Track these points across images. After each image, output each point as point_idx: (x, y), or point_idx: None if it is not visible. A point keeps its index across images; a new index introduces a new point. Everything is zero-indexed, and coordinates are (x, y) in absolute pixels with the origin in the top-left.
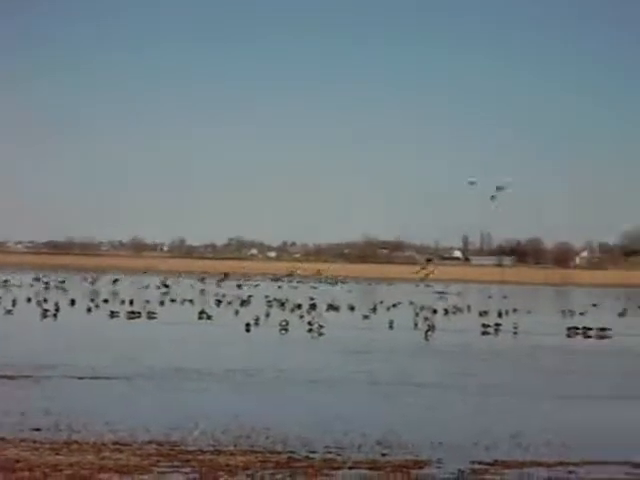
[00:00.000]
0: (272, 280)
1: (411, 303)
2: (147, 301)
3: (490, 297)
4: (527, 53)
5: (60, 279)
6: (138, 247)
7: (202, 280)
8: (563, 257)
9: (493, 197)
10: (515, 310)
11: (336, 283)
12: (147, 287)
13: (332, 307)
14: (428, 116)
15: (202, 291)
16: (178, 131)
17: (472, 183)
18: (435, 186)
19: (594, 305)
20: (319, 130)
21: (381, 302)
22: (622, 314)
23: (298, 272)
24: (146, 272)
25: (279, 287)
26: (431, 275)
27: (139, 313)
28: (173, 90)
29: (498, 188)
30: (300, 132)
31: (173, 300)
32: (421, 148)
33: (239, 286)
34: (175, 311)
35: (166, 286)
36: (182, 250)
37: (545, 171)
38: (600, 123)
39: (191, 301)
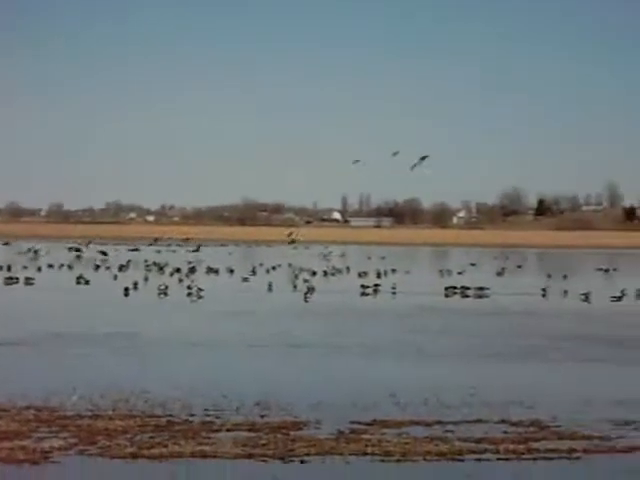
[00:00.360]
0: (151, 244)
1: (290, 265)
2: (24, 267)
3: (369, 258)
4: None
5: None
6: (15, 212)
7: (85, 245)
8: (441, 217)
9: (414, 166)
10: (394, 270)
11: (217, 246)
12: (25, 252)
13: (211, 270)
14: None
15: (78, 257)
16: (48, 95)
17: (356, 162)
18: (314, 147)
19: (472, 265)
20: (196, 94)
21: (260, 264)
22: (500, 273)
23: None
24: (23, 238)
25: (158, 251)
26: (298, 237)
27: (16, 279)
28: None
29: (422, 158)
30: (175, 97)
31: (51, 265)
32: (304, 112)
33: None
34: (53, 277)
35: (35, 252)
36: (60, 215)
37: (425, 131)
38: (471, 83)
39: (69, 266)
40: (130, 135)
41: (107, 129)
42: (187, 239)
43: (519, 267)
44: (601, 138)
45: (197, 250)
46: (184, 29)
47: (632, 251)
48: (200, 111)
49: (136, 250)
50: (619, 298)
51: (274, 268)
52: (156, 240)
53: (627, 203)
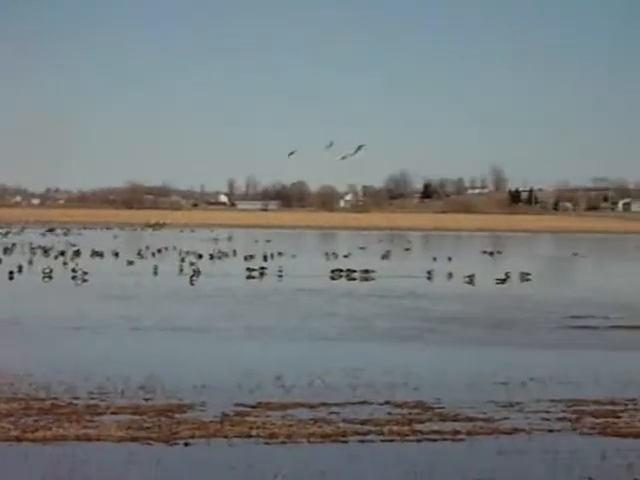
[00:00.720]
0: (37, 228)
1: (175, 248)
2: None
3: (256, 241)
4: None
5: None
6: None
7: None
8: (327, 200)
9: (344, 157)
10: (280, 254)
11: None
12: None
13: (97, 253)
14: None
15: None
16: None
17: (292, 153)
18: (201, 130)
19: (361, 248)
20: (81, 75)
21: (147, 248)
22: (385, 256)
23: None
24: None
25: (43, 235)
26: (163, 222)
27: None
28: None
29: (358, 148)
30: (60, 77)
31: None
32: (190, 94)
33: (4, 234)
34: None
35: None
36: None
37: (313, 115)
38: (360, 68)
39: None
40: (15, 117)
41: None
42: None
43: (405, 250)
44: (486, 122)
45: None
46: None
47: (517, 234)
48: (85, 92)
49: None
50: (503, 281)
51: (160, 251)
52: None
53: (512, 187)
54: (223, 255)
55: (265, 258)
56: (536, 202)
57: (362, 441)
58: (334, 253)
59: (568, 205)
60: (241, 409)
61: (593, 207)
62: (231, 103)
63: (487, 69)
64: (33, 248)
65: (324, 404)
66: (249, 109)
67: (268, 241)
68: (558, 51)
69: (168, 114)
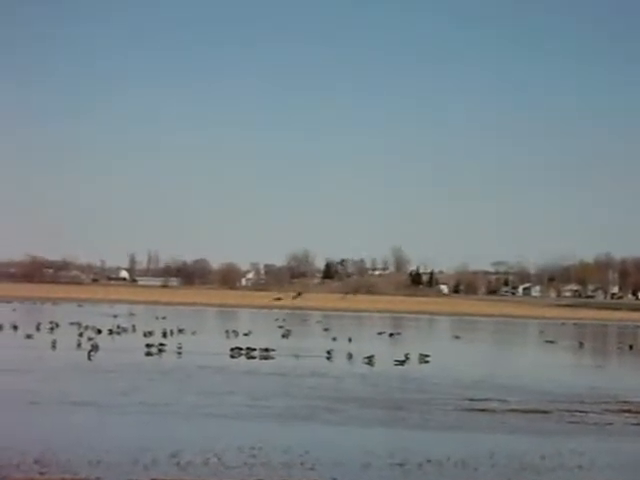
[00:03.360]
0: None
1: (72, 323)
2: None
3: (157, 318)
4: None
5: None
6: None
7: None
8: (229, 278)
9: None
10: (181, 330)
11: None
12: None
13: None
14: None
15: None
16: None
17: None
18: (104, 204)
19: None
20: None
21: (46, 322)
22: (285, 335)
23: None
24: None
25: None
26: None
27: None
28: None
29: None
30: None
31: None
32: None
33: None
34: None
35: None
36: None
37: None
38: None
39: None
40: None
41: None
42: None
43: (307, 329)
44: (389, 201)
45: None
46: None
47: (417, 316)
48: None
49: None
50: (402, 362)
51: (58, 325)
52: None
53: (413, 268)
54: (122, 331)
55: (165, 335)
56: (436, 284)
57: None
58: (234, 331)
59: (461, 288)
60: None
61: (493, 291)
62: (135, 179)
63: (394, 144)
64: None
65: None
66: (152, 184)
67: (164, 318)
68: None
69: (69, 186)
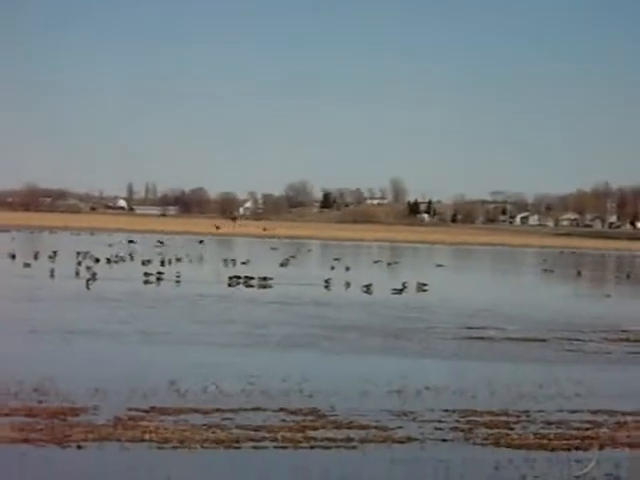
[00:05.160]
0: None
1: (70, 252)
2: None
3: (155, 247)
4: None
5: None
6: None
7: None
8: (227, 207)
9: None
10: (179, 259)
11: None
12: None
13: None
14: None
15: None
16: None
17: None
18: (100, 133)
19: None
20: None
21: (44, 251)
22: (283, 264)
23: None
24: None
25: None
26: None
27: None
28: None
29: None
30: None
31: None
32: (86, 96)
33: None
34: None
35: None
36: None
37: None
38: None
39: None
40: None
41: None
42: None
43: (305, 258)
44: (386, 133)
45: None
46: None
47: (415, 245)
48: None
49: None
50: (400, 291)
51: (56, 254)
52: None
53: (411, 198)
54: (120, 259)
55: (163, 263)
56: (434, 214)
57: (256, 447)
58: (232, 260)
59: (459, 217)
60: (134, 413)
61: (491, 220)
62: (133, 105)
63: (394, 77)
64: None
65: (218, 410)
66: (150, 111)
67: (162, 244)
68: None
69: (67, 115)
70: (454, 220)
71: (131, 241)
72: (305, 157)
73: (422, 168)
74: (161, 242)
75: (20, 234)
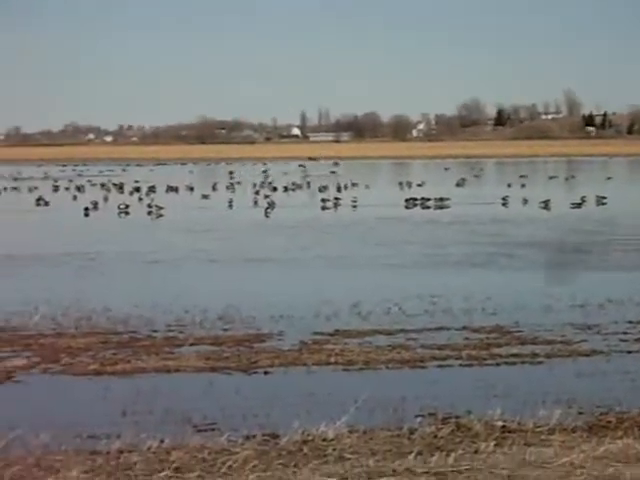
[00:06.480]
0: (111, 165)
1: (249, 181)
2: None
3: (331, 172)
4: None
5: None
6: None
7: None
8: (400, 130)
9: None
10: (354, 184)
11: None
12: None
13: (171, 188)
14: None
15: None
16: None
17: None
18: (272, 62)
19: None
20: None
21: (221, 182)
22: (459, 184)
23: None
24: None
25: (111, 171)
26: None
27: None
28: None
29: None
30: (125, 14)
31: (16, 188)
32: (257, 25)
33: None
34: (12, 199)
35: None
36: (18, 138)
37: (375, 43)
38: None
39: (34, 188)
40: (85, 54)
41: (61, 49)
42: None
43: (481, 177)
44: (559, 44)
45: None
46: None
47: (591, 158)
48: (151, 28)
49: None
50: (579, 205)
51: (233, 185)
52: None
53: (586, 111)
54: (297, 187)
55: (339, 189)
56: (610, 126)
57: (440, 366)
58: (408, 182)
59: (636, 129)
60: (319, 337)
61: None
62: (300, 34)
63: None
64: (104, 184)
65: (402, 331)
66: (319, 39)
67: (333, 172)
68: None
69: (237, 48)
70: (630, 132)
71: (301, 165)
72: (477, 74)
73: (596, 79)
74: (337, 163)
75: (197, 167)
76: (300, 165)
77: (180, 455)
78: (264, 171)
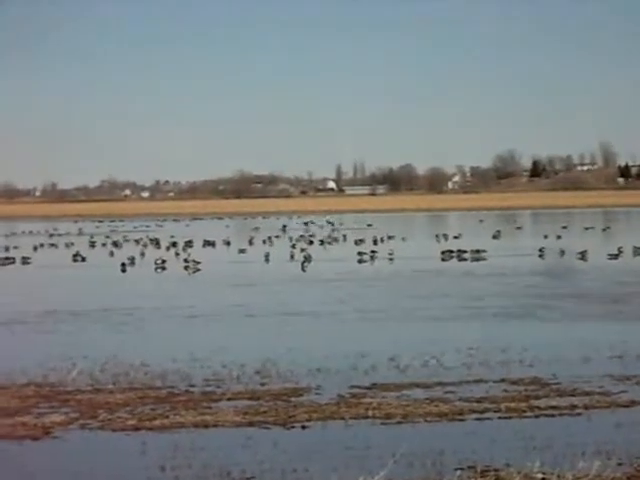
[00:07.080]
0: (148, 221)
1: (285, 235)
2: (15, 247)
3: (368, 225)
4: None
5: None
6: (10, 193)
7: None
8: (436, 183)
9: None
10: (390, 237)
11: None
12: (26, 233)
13: (208, 243)
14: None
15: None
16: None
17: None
18: (306, 118)
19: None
20: (183, 68)
21: (258, 236)
22: (496, 236)
23: None
24: (19, 218)
25: (147, 226)
26: None
27: (13, 259)
28: None
29: None
30: (162, 72)
31: (53, 245)
32: (293, 82)
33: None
34: (49, 255)
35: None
36: (54, 194)
37: (409, 98)
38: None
39: (71, 244)
40: (121, 111)
41: (98, 106)
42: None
43: (517, 229)
44: (595, 98)
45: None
46: None
47: (628, 209)
48: (188, 85)
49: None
50: (616, 256)
51: (270, 239)
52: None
53: (622, 162)
54: (333, 240)
55: (375, 242)
56: None
57: (479, 419)
58: (444, 234)
59: None
60: (356, 391)
61: None
62: (330, 89)
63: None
64: (138, 240)
65: (439, 383)
66: (353, 93)
67: (369, 225)
68: None
69: (272, 102)
70: None
71: (329, 222)
72: (512, 126)
73: (633, 130)
74: (369, 224)
75: (233, 221)
76: (328, 222)
77: None
78: (305, 223)
